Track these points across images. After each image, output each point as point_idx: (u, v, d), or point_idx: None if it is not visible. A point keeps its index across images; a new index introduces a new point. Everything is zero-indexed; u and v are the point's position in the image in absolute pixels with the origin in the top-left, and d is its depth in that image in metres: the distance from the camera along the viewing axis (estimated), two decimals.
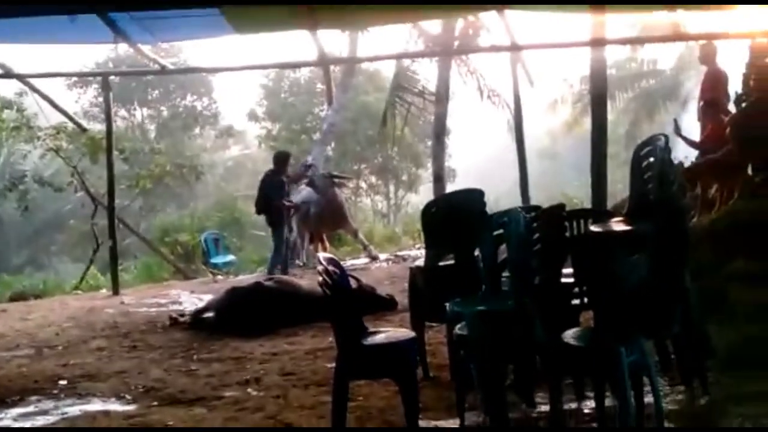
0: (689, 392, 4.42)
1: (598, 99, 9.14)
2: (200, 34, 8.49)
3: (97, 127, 16.88)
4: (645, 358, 3.84)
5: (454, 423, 4.33)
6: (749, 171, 7.19)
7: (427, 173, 24.75)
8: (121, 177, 16.12)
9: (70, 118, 14.33)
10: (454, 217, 5.25)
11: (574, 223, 5.08)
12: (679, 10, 7.10)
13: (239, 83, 30.44)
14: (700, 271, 5.14)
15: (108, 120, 11.30)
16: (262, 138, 28.77)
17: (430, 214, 5.60)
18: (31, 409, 5.26)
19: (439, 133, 15.70)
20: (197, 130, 30.55)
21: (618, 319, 3.79)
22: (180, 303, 9.46)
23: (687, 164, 8.16)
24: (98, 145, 13.75)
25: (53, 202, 25.63)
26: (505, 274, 4.58)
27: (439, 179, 15.32)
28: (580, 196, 16.62)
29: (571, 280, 4.64)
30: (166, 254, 16.37)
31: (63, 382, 5.85)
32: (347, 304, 4.16)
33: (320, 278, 4.04)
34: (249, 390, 5.40)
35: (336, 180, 12.22)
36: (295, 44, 34.87)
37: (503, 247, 4.55)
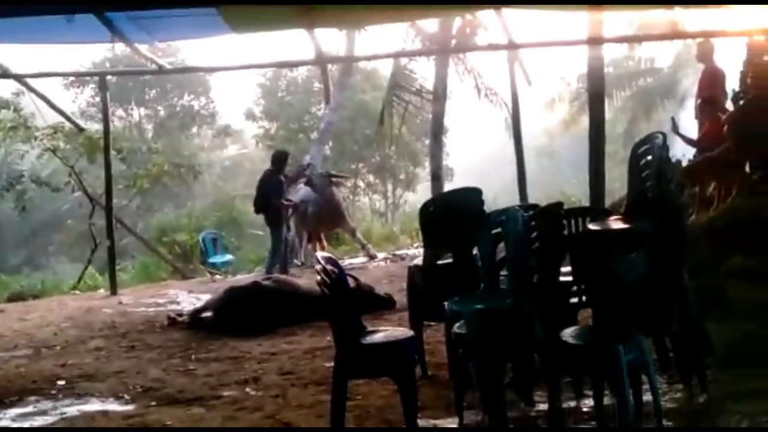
0: (688, 390, 4.43)
1: (595, 97, 9.16)
2: (197, 34, 8.48)
3: (95, 127, 16.83)
4: (643, 356, 3.85)
5: (452, 422, 4.33)
6: (747, 168, 7.20)
7: (424, 172, 24.74)
8: (119, 177, 16.08)
9: (68, 118, 14.28)
10: (452, 216, 5.25)
11: (572, 222, 5.07)
12: (676, 8, 7.11)
13: (236, 82, 30.43)
14: (698, 268, 5.15)
15: (105, 120, 11.28)
16: (259, 137, 28.74)
17: (428, 212, 5.60)
18: (29, 409, 5.25)
19: (437, 131, 15.69)
20: (194, 130, 30.55)
21: (616, 317, 3.80)
22: (178, 303, 9.46)
23: (685, 162, 8.17)
24: (95, 145, 13.72)
25: (51, 202, 25.59)
26: (504, 272, 4.59)
27: (436, 178, 15.32)
28: (578, 194, 16.62)
29: (570, 278, 4.64)
30: (164, 254, 16.36)
31: (61, 383, 5.84)
32: (346, 303, 4.16)
33: (318, 277, 4.04)
34: (247, 389, 5.40)
35: (334, 179, 12.23)
36: (292, 43, 34.86)
37: (501, 245, 4.55)
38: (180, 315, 8.14)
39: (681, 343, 4.42)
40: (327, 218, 11.88)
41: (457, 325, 4.32)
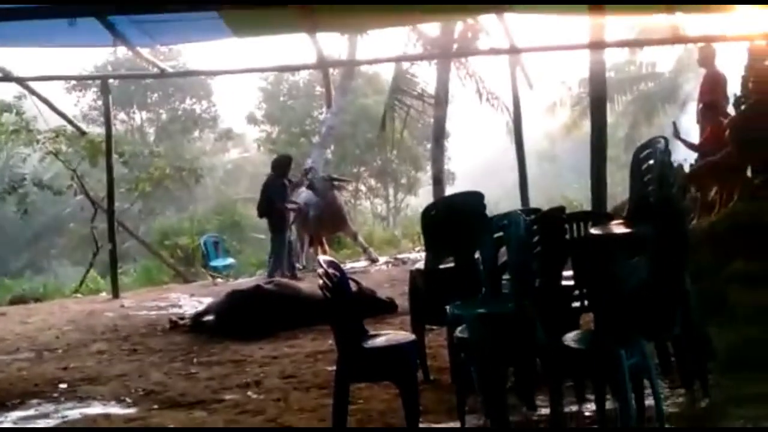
0: (690, 394, 4.43)
1: (597, 102, 9.15)
2: (199, 38, 8.49)
3: (97, 131, 16.89)
4: (645, 361, 3.85)
5: (454, 426, 4.33)
6: (748, 173, 7.20)
7: (426, 176, 24.76)
8: (121, 180, 16.14)
9: (70, 122, 14.31)
10: (453, 220, 5.26)
11: (574, 226, 5.07)
12: (677, 13, 7.10)
13: (238, 86, 30.38)
14: (700, 273, 5.14)
15: (107, 123, 11.29)
16: (261, 141, 28.77)
17: (430, 216, 5.60)
18: (31, 412, 5.26)
19: (439, 135, 15.70)
20: (196, 133, 30.55)
21: (618, 321, 3.80)
22: (180, 306, 9.47)
23: (686, 167, 8.17)
24: (97, 149, 13.76)
25: (53, 206, 25.63)
26: (506, 276, 4.59)
27: (438, 182, 15.33)
28: (579, 198, 16.63)
29: (572, 282, 4.64)
30: (165, 257, 16.36)
31: (63, 386, 5.85)
32: (347, 307, 4.16)
33: (320, 281, 4.04)
34: (249, 393, 5.40)
35: (335, 183, 12.22)
36: (294, 47, 34.91)
37: (503, 249, 4.55)
38: (182, 318, 8.15)
39: (683, 348, 4.42)
40: (329, 222, 11.87)
41: (458, 329, 4.32)
